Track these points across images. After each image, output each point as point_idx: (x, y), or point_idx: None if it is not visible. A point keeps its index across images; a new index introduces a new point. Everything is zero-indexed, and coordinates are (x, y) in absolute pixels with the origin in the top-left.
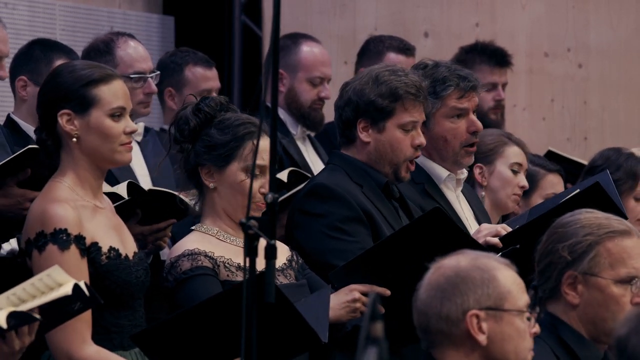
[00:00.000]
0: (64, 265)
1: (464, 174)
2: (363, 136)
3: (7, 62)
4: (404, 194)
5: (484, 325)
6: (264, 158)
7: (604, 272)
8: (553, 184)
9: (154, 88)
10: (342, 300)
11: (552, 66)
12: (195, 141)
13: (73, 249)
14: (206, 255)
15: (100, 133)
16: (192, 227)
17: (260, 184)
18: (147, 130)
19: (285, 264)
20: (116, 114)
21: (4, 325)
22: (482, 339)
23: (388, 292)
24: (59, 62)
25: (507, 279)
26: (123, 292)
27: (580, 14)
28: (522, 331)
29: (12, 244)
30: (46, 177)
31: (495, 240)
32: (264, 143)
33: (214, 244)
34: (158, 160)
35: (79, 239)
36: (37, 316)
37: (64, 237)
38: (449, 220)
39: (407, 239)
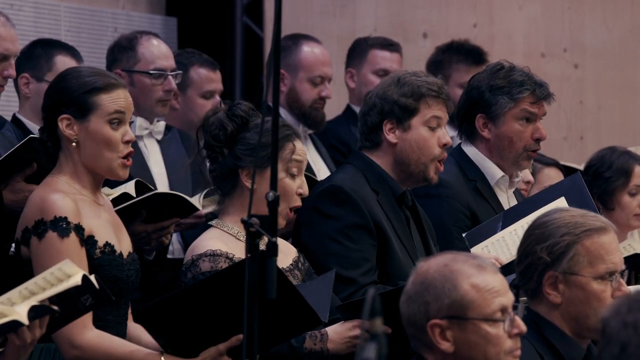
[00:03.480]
0: (64, 253)
1: (518, 177)
2: (390, 137)
3: None
4: (448, 187)
5: (448, 333)
6: (301, 155)
7: (583, 270)
8: (550, 177)
9: (174, 86)
10: (346, 335)
11: (549, 66)
12: (233, 145)
13: (73, 237)
14: (227, 257)
15: (99, 139)
16: (211, 223)
17: (298, 185)
18: (168, 128)
19: (292, 264)
20: (114, 121)
21: (26, 322)
22: (446, 347)
23: (390, 330)
24: (59, 57)
25: (474, 286)
26: (112, 287)
27: (576, 15)
28: (493, 337)
29: None
30: (51, 170)
31: None
32: (301, 145)
33: (234, 243)
34: (179, 159)
35: (79, 228)
36: (55, 307)
37: (64, 225)
38: None
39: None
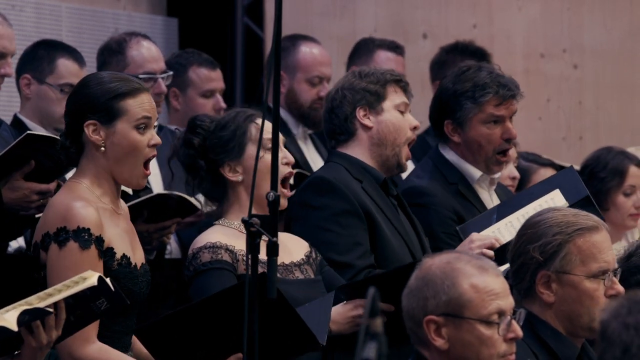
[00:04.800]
0: (82, 264)
1: (498, 175)
2: (365, 122)
3: (14, 63)
4: (434, 195)
5: (444, 331)
6: (268, 132)
7: (576, 269)
8: (545, 177)
9: (164, 89)
10: (348, 315)
11: (548, 67)
12: (206, 153)
13: (93, 249)
14: (227, 249)
15: (126, 144)
16: (215, 222)
17: (282, 156)
18: (160, 128)
19: (303, 259)
20: (141, 126)
21: (15, 329)
22: (440, 344)
23: (392, 308)
24: (61, 60)
25: (473, 286)
26: None
27: (575, 15)
28: (487, 338)
29: (19, 242)
30: (50, 168)
31: (490, 253)
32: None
33: (236, 236)
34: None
35: (99, 241)
36: (50, 310)
37: (86, 236)
38: None
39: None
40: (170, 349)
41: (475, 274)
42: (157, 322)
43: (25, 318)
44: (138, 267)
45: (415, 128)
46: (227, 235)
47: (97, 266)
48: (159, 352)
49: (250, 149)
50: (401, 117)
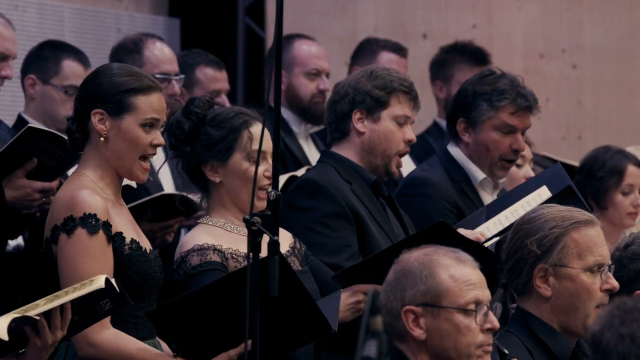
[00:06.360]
0: (91, 250)
1: (503, 179)
2: (359, 126)
3: (19, 63)
4: (435, 186)
5: (422, 321)
6: (264, 144)
7: (573, 262)
8: None
9: (177, 90)
10: (347, 302)
11: (547, 67)
12: (193, 142)
13: (101, 234)
14: (215, 249)
15: (129, 140)
16: (199, 221)
17: (265, 169)
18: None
19: (288, 251)
20: (147, 125)
21: (5, 338)
22: (418, 334)
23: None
24: (66, 62)
25: (451, 276)
26: (144, 283)
27: (575, 16)
28: (464, 327)
29: (17, 240)
30: (52, 166)
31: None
32: (259, 129)
33: (221, 235)
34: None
35: (107, 226)
36: (37, 317)
37: (93, 222)
38: (454, 232)
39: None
40: (182, 334)
41: (453, 265)
42: (166, 307)
43: (13, 325)
44: (148, 252)
45: (409, 141)
46: (213, 235)
47: (106, 250)
48: (170, 337)
49: (236, 157)
50: (396, 128)
